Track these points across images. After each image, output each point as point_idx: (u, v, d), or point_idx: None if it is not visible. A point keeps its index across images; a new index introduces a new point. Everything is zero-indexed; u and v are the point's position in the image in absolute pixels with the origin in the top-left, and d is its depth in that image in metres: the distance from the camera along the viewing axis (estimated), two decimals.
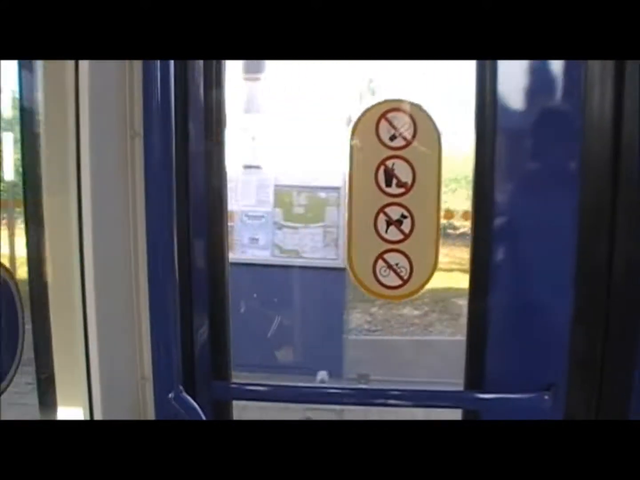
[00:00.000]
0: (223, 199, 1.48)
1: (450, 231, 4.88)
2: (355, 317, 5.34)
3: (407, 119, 1.41)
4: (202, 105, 1.45)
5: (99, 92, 1.34)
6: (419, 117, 1.41)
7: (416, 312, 5.59)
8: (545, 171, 1.42)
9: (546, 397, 1.41)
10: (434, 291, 5.26)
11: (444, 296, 5.48)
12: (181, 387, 1.35)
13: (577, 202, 1.40)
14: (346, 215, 1.44)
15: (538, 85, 1.40)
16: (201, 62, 1.44)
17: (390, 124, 1.41)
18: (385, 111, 1.41)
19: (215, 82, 1.45)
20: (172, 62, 1.28)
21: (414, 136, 1.41)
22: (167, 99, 1.29)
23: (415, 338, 5.37)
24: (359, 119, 1.42)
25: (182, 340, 1.42)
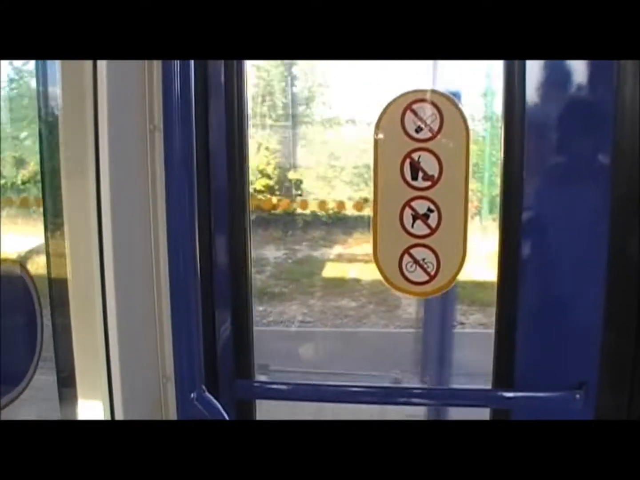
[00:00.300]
0: (245, 195, 1.44)
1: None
2: (292, 309, 5.44)
3: (433, 110, 1.37)
4: (223, 100, 1.42)
5: (118, 88, 1.31)
6: (446, 108, 1.37)
7: (353, 304, 5.60)
8: (576, 164, 1.38)
9: (577, 395, 1.38)
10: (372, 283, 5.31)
11: (382, 288, 5.47)
12: (204, 387, 1.32)
13: (609, 195, 1.35)
14: (372, 209, 1.40)
15: (568, 76, 1.36)
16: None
17: (416, 115, 1.37)
18: (411, 102, 1.37)
19: (236, 77, 1.42)
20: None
21: (440, 128, 1.37)
22: (186, 92, 1.26)
23: (348, 330, 5.37)
24: (384, 111, 1.38)
25: (204, 339, 1.40)
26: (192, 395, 1.31)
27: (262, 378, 1.51)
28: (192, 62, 1.27)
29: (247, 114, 1.43)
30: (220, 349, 1.48)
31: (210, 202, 1.42)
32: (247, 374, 1.48)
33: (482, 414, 1.47)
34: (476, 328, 4.91)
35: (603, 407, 1.42)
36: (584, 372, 1.41)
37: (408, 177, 1.38)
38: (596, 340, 1.40)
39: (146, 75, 1.37)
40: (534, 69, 1.35)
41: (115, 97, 1.31)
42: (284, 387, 1.49)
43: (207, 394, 1.32)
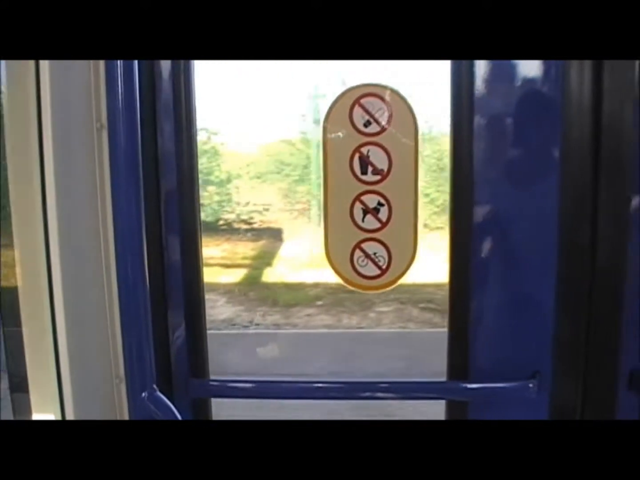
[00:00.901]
0: (195, 197, 1.43)
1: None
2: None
3: (381, 104, 1.37)
4: (171, 100, 1.41)
5: (63, 87, 1.30)
6: (394, 102, 1.37)
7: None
8: (525, 159, 1.39)
9: (531, 385, 1.38)
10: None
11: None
12: (155, 387, 1.31)
13: (559, 188, 1.36)
14: (322, 204, 1.39)
15: (516, 72, 1.37)
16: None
17: (365, 109, 1.37)
18: (359, 96, 1.37)
19: (184, 78, 1.41)
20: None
21: (389, 122, 1.37)
22: (131, 91, 1.25)
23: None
24: (332, 105, 1.38)
25: (158, 339, 1.39)
26: (143, 394, 1.30)
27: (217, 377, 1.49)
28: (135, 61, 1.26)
29: (195, 114, 1.42)
30: (175, 349, 1.47)
31: (160, 203, 1.41)
32: (201, 374, 1.47)
33: (439, 406, 1.47)
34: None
35: (557, 395, 1.43)
36: (537, 362, 1.41)
37: (358, 172, 1.38)
38: (549, 330, 1.41)
39: (92, 74, 1.35)
40: (481, 65, 1.35)
41: (60, 97, 1.30)
42: (239, 385, 1.48)
43: (159, 394, 1.31)
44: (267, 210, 5.25)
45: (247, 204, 5.14)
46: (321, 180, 1.39)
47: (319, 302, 5.40)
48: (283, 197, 5.33)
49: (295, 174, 5.18)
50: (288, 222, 5.48)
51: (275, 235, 5.60)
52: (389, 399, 1.46)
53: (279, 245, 5.64)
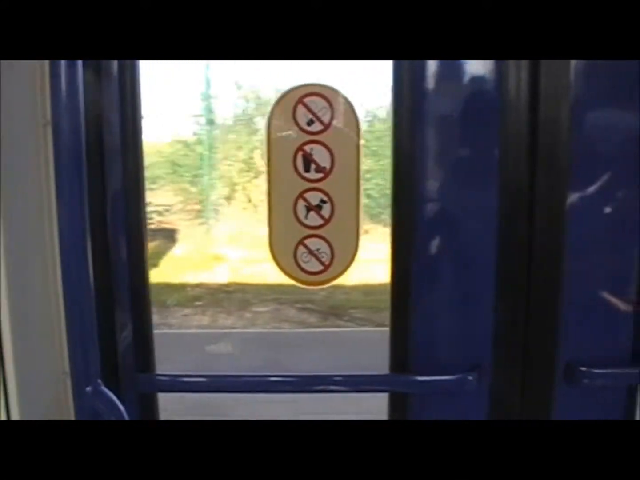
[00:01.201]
0: (141, 192, 1.44)
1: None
2: None
3: (324, 103, 1.40)
4: (117, 98, 1.42)
5: (7, 84, 1.30)
6: (337, 101, 1.40)
7: None
8: (465, 157, 1.42)
9: (470, 377, 1.42)
10: None
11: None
12: (100, 381, 1.32)
13: (497, 187, 1.40)
14: (265, 201, 1.42)
15: (457, 72, 1.40)
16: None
17: (308, 108, 1.40)
18: (302, 95, 1.40)
19: (130, 76, 1.42)
20: None
21: (331, 120, 1.40)
22: (75, 89, 1.27)
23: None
24: (276, 104, 1.40)
25: (103, 333, 1.40)
26: (88, 389, 1.31)
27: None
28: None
29: (141, 113, 1.43)
30: (121, 343, 1.48)
31: (106, 199, 1.43)
32: (148, 368, 1.49)
33: (379, 399, 1.51)
34: None
35: (496, 387, 1.47)
36: (477, 355, 1.45)
37: (301, 170, 1.41)
38: (488, 324, 1.44)
39: (37, 71, 1.37)
40: (422, 65, 1.38)
41: (5, 94, 1.30)
42: (187, 379, 1.50)
43: (104, 388, 1.32)
44: (163, 210, 5.34)
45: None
46: (265, 177, 1.41)
47: (198, 303, 5.51)
48: (177, 198, 5.43)
49: (188, 175, 5.29)
50: (181, 222, 5.60)
51: (168, 235, 5.70)
52: (334, 392, 1.49)
53: (170, 246, 5.73)
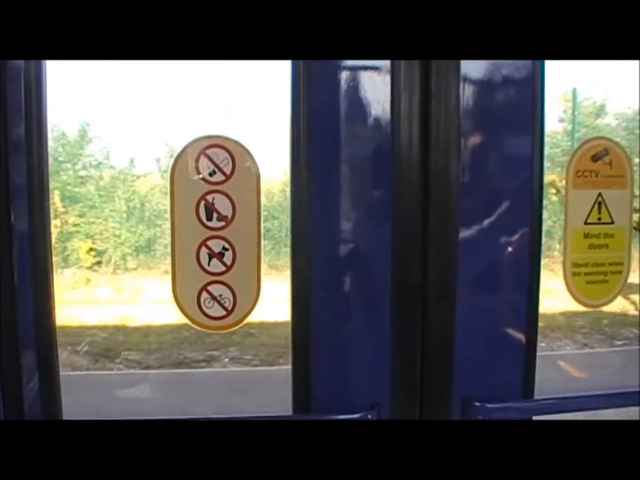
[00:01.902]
0: (45, 199, 1.43)
1: None
2: None
3: (225, 154, 1.46)
4: (21, 100, 1.40)
5: None
6: (237, 153, 1.47)
7: None
8: (359, 198, 1.50)
9: (370, 416, 1.48)
10: None
11: None
12: None
13: (391, 230, 1.48)
14: (169, 249, 1.46)
15: (349, 113, 1.48)
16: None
17: (210, 159, 1.45)
18: (205, 147, 1.46)
19: (35, 78, 1.40)
20: None
21: (233, 171, 1.46)
22: None
23: None
24: (179, 155, 1.46)
25: (7, 380, 1.41)
26: None
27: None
28: None
29: (46, 115, 1.40)
30: (26, 392, 1.48)
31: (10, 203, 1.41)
32: (55, 415, 1.49)
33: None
34: None
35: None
36: (376, 394, 1.52)
37: (203, 218, 1.46)
38: (386, 362, 1.51)
39: None
40: (319, 103, 1.45)
41: None
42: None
43: None
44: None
45: None
46: (169, 226, 1.46)
47: None
48: None
49: None
50: None
51: None
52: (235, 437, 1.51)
53: None
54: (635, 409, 1.59)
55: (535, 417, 1.62)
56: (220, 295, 1.47)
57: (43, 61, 1.40)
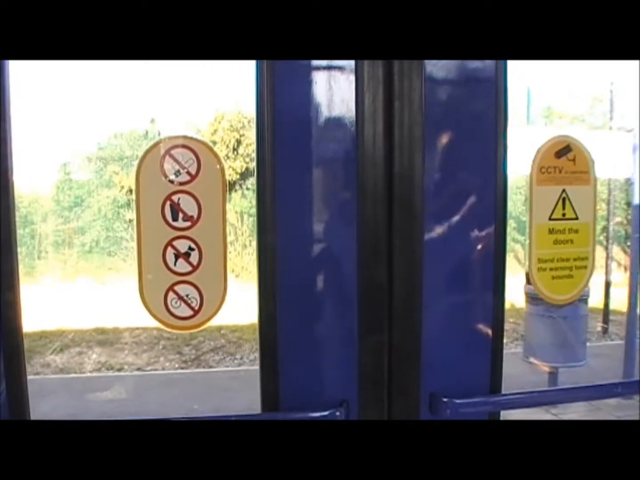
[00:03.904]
0: (10, 206, 1.40)
1: None
2: None
3: (191, 155, 1.46)
4: None
5: None
6: (202, 152, 1.47)
7: None
8: (323, 198, 1.51)
9: (338, 413, 1.49)
10: None
11: None
12: None
13: (356, 233, 1.49)
14: (135, 250, 1.46)
15: (312, 113, 1.49)
16: None
17: (175, 159, 1.46)
18: (170, 148, 1.46)
19: None
20: None
21: (198, 171, 1.46)
22: None
23: None
24: (144, 156, 1.46)
25: None
26: None
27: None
28: None
29: (10, 116, 1.38)
30: None
31: None
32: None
33: None
34: None
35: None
36: (344, 391, 1.53)
37: (169, 218, 1.46)
38: (353, 360, 1.52)
39: None
40: (284, 67, 1.44)
41: None
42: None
43: None
44: None
45: None
46: (134, 227, 1.46)
47: None
48: None
49: None
50: None
51: None
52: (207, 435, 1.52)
53: None
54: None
55: (503, 412, 1.65)
56: (187, 295, 1.47)
57: (6, 61, 1.40)
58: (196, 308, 1.47)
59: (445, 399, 1.54)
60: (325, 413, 1.49)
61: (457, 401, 1.55)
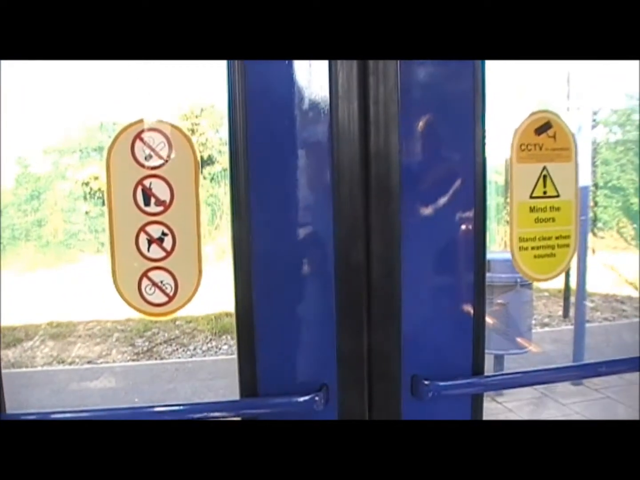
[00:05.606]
0: None
1: None
2: None
3: (162, 138, 1.43)
4: None
5: None
6: (174, 136, 1.44)
7: None
8: (299, 178, 1.48)
9: (317, 397, 1.47)
10: None
11: None
12: None
13: (332, 213, 1.47)
14: (107, 237, 1.44)
15: (284, 94, 1.45)
16: None
17: (145, 143, 1.43)
18: (140, 131, 1.43)
19: None
20: None
21: (169, 155, 1.43)
22: None
23: None
24: (114, 140, 1.43)
25: None
26: None
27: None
28: None
29: None
30: None
31: None
32: None
33: None
34: None
35: (344, 406, 1.53)
36: (323, 376, 1.51)
37: (141, 203, 1.43)
38: (332, 343, 1.50)
39: None
40: (254, 69, 1.42)
41: None
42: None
43: None
44: None
45: None
46: (106, 212, 1.43)
47: None
48: None
49: None
50: None
51: None
52: (190, 420, 1.51)
53: None
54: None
55: (486, 394, 1.63)
56: (162, 282, 1.45)
57: None
58: (171, 294, 1.45)
59: (427, 382, 1.52)
60: (306, 398, 1.48)
61: (440, 383, 1.53)
